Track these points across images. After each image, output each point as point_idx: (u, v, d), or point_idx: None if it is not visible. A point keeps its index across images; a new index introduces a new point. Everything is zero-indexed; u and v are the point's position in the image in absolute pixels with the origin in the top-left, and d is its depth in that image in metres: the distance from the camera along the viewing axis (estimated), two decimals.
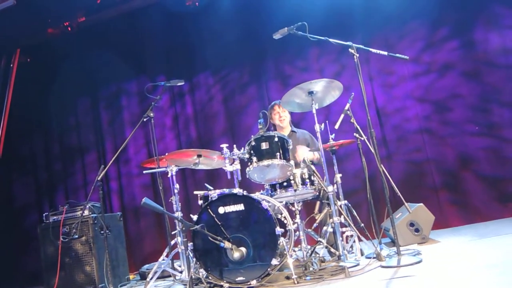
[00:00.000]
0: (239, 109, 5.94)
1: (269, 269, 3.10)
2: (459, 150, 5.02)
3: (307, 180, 3.54)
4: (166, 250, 3.88)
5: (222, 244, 3.11)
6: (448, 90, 5.12)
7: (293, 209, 3.64)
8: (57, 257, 4.29)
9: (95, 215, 4.38)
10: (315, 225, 3.87)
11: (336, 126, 3.67)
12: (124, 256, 4.73)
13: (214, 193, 3.41)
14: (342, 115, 3.75)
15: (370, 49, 3.50)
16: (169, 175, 3.84)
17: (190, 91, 6.16)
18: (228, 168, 3.47)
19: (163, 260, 3.81)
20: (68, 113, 6.68)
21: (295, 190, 3.52)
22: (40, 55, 6.62)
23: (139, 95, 6.33)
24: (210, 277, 3.23)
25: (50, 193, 6.56)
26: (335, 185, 3.75)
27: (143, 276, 4.61)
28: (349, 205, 3.88)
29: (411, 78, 5.27)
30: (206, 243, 3.23)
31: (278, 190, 3.55)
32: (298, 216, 3.55)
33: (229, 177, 3.49)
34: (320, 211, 3.92)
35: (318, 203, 3.98)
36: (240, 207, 3.24)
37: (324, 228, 3.70)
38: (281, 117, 4.47)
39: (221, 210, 3.26)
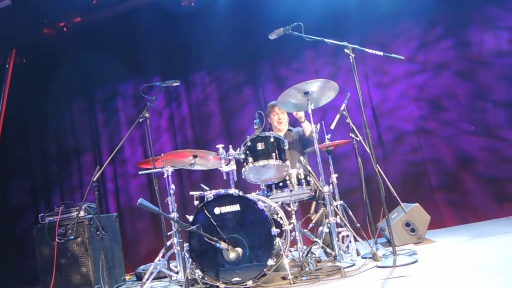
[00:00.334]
0: (235, 110, 5.94)
1: (265, 270, 3.11)
2: (455, 149, 5.04)
3: (303, 181, 3.55)
4: (162, 251, 3.88)
5: (218, 245, 3.11)
6: (443, 89, 5.15)
7: (289, 209, 3.64)
8: (53, 258, 4.28)
9: (91, 216, 4.36)
10: (311, 225, 3.88)
11: (332, 126, 3.69)
12: (120, 257, 4.72)
13: (210, 194, 3.42)
14: (338, 116, 3.75)
15: (366, 49, 3.50)
16: (165, 175, 3.82)
17: (185, 91, 6.15)
18: (224, 168, 3.47)
19: (159, 260, 3.80)
20: (63, 113, 6.65)
21: (291, 191, 3.52)
22: (35, 55, 6.59)
23: (135, 96, 6.31)
24: (206, 278, 3.22)
25: (46, 194, 6.54)
26: (331, 185, 3.77)
27: (139, 277, 4.59)
28: (345, 205, 3.89)
29: (406, 77, 5.29)
30: (202, 243, 3.23)
31: (274, 190, 3.56)
32: (294, 216, 3.55)
33: (225, 177, 3.50)
34: (316, 211, 3.91)
35: (314, 203, 3.98)
36: (236, 207, 3.24)
37: (320, 228, 3.70)
38: (280, 119, 4.48)
39: (217, 210, 3.26)
